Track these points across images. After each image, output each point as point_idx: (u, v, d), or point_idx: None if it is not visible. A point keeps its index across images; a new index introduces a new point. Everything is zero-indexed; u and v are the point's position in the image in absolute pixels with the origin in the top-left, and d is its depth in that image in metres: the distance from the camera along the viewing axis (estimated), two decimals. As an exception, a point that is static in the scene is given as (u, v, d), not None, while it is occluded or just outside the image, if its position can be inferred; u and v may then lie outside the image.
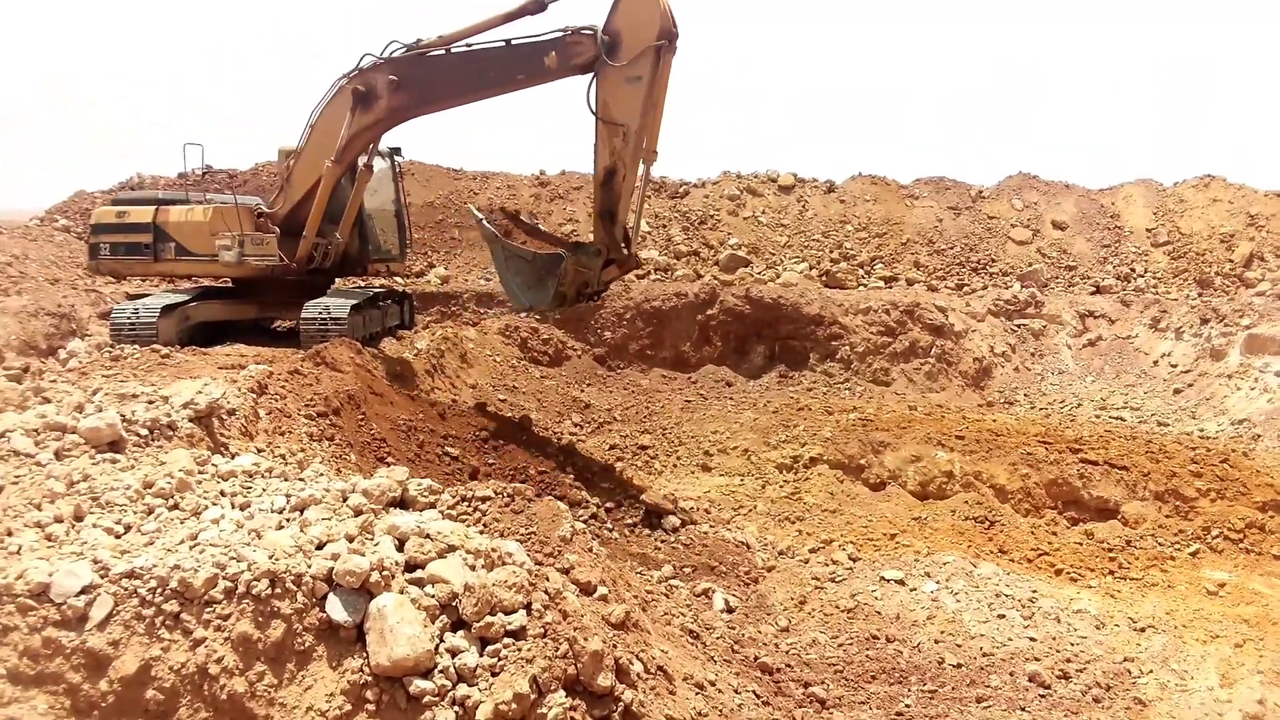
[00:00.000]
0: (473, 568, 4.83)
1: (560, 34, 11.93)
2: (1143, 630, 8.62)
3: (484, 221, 13.43)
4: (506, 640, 4.51)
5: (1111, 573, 10.63)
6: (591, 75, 11.90)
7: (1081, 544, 11.65)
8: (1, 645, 4.34)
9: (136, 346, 11.54)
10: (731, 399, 17.36)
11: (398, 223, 16.03)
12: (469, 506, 6.20)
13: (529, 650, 4.47)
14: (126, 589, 4.53)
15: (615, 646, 4.85)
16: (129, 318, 12.74)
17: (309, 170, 13.84)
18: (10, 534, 5.01)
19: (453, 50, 12.54)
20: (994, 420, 15.66)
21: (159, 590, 4.53)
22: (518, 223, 14.25)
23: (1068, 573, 10.50)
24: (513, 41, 12.20)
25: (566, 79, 12.16)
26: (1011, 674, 7.66)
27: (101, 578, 4.54)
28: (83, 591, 4.47)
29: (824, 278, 22.02)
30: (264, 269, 14.02)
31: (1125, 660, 8.00)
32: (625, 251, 12.50)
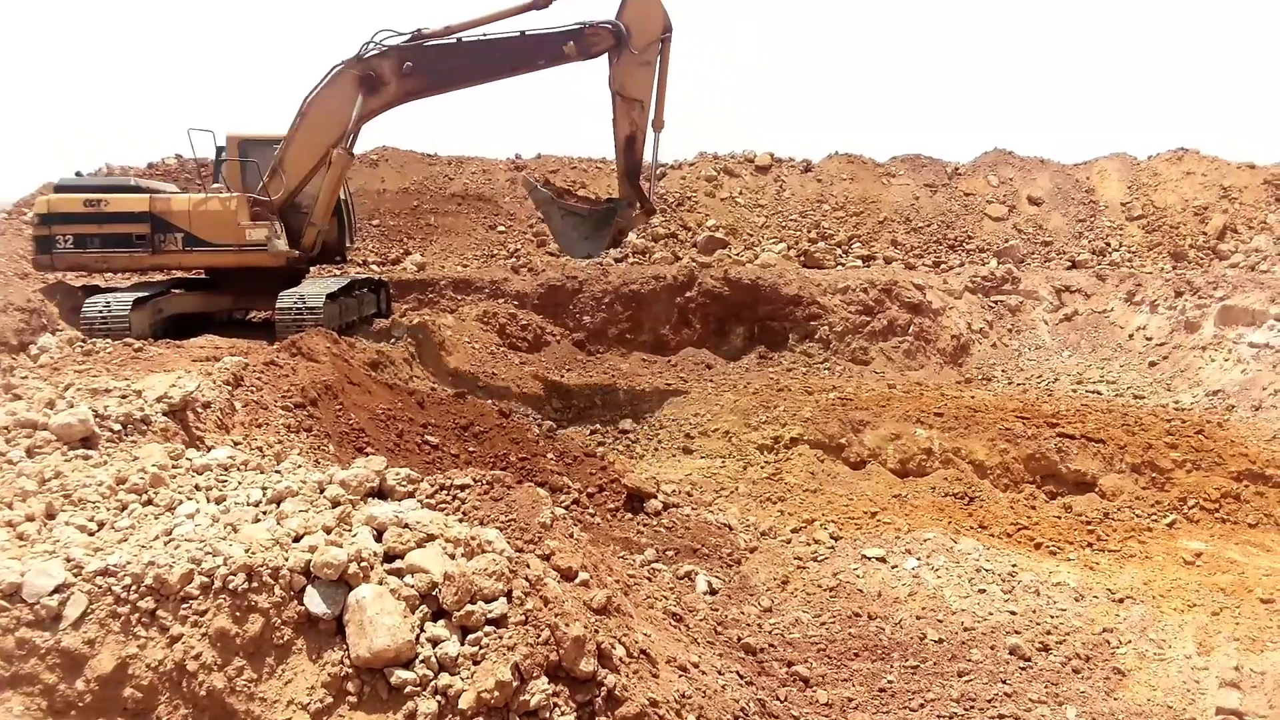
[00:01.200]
0: (452, 556, 4.80)
1: (580, 26, 14.22)
2: (1121, 601, 8.71)
3: (540, 187, 16.30)
4: (488, 628, 4.50)
5: (1090, 545, 10.73)
6: (607, 61, 14.37)
7: (1060, 517, 11.76)
8: (-26, 647, 4.28)
9: (109, 340, 11.40)
10: (711, 381, 17.37)
11: (347, 211, 16.20)
12: (448, 495, 6.16)
13: (510, 638, 4.45)
14: (101, 587, 4.47)
15: (597, 631, 4.84)
16: (100, 311, 12.58)
17: (304, 156, 14.22)
18: (-19, 534, 4.94)
19: (466, 39, 14.12)
20: (972, 397, 15.76)
21: (134, 587, 4.48)
22: (557, 189, 17.01)
23: (1047, 546, 10.59)
24: (528, 32, 14.17)
25: (577, 63, 14.44)
26: (992, 647, 7.73)
27: (75, 576, 4.49)
28: (56, 590, 4.41)
29: (802, 258, 22.04)
30: (289, 257, 14.33)
31: (1104, 631, 8.09)
32: (647, 201, 15.76)
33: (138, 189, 14.30)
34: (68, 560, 4.57)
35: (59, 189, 13.92)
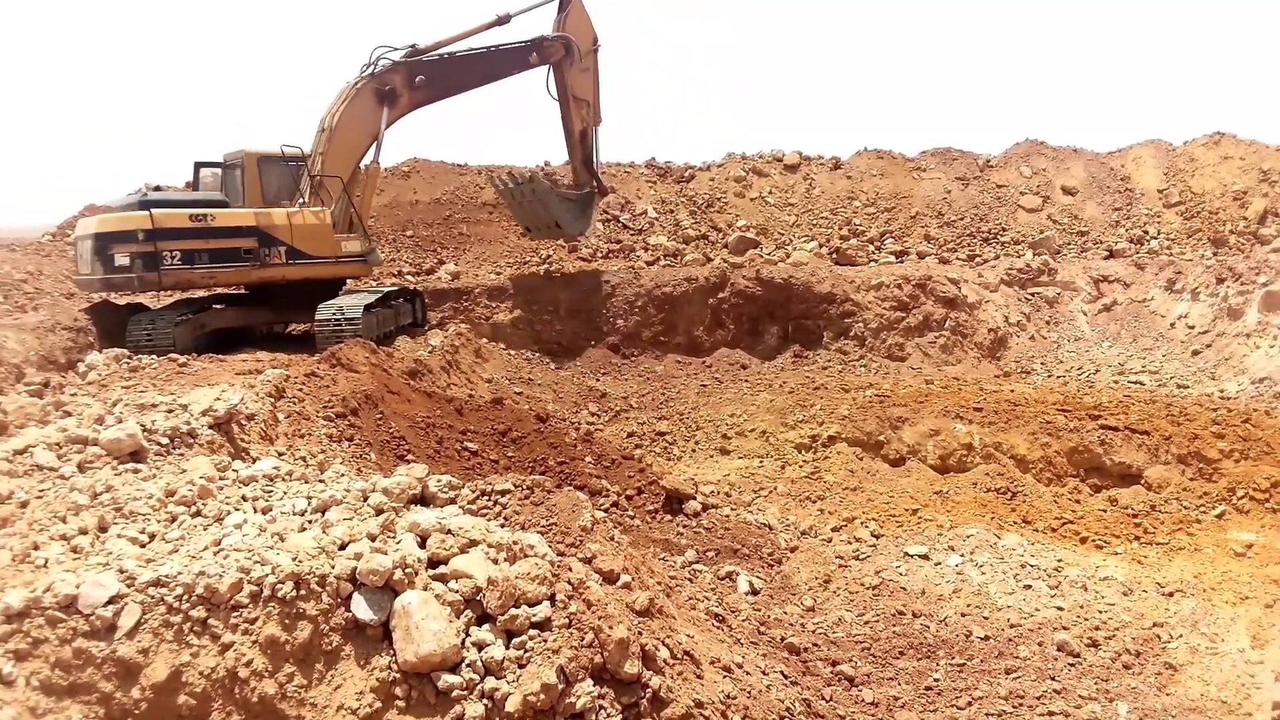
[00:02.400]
0: (495, 561, 4.84)
1: (538, 39, 16.91)
2: (1171, 595, 8.58)
3: (540, 178, 19.49)
4: (532, 632, 4.52)
5: (1137, 538, 10.57)
6: (548, 69, 17.35)
7: (1105, 511, 11.60)
8: (33, 658, 4.38)
9: (154, 356, 11.61)
10: (747, 381, 17.33)
11: None
12: (489, 500, 6.22)
13: (555, 641, 4.48)
14: (153, 597, 4.56)
15: (640, 633, 4.85)
16: (146, 328, 12.80)
17: (341, 170, 14.93)
18: (37, 547, 5.06)
19: (456, 53, 16.13)
20: (1012, 390, 15.58)
21: (185, 597, 4.57)
22: (539, 180, 19.74)
23: (1093, 540, 10.46)
24: (501, 46, 16.70)
25: (534, 70, 17.22)
26: (1040, 644, 7.65)
27: (128, 587, 4.58)
28: (110, 601, 4.50)
29: (834, 255, 21.92)
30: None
31: (1154, 625, 7.97)
32: (602, 184, 19.60)
33: (226, 204, 14.06)
34: (121, 572, 4.66)
35: (150, 204, 13.19)
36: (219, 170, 14.77)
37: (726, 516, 10.15)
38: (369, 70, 15.04)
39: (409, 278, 20.82)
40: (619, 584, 5.27)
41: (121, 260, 12.86)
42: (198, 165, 14.84)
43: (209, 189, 14.61)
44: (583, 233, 19.83)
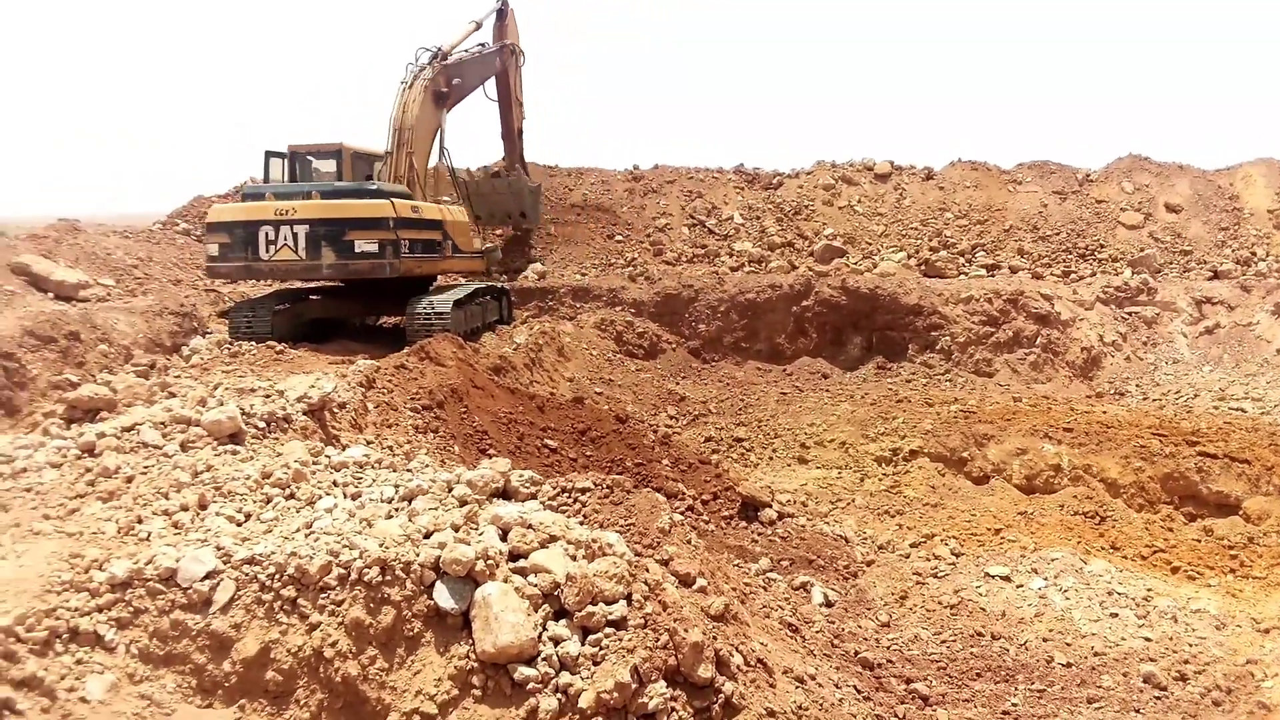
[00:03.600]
0: (574, 558, 4.91)
1: (500, 46, 18.67)
2: (1267, 631, 8.22)
3: (516, 169, 21.01)
4: (608, 630, 4.57)
5: (1233, 571, 10.15)
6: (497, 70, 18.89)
7: (1200, 541, 11.16)
8: (134, 626, 4.61)
9: (253, 343, 12.02)
10: (828, 391, 17.15)
11: None
12: (569, 498, 6.30)
13: (630, 640, 4.52)
14: (247, 574, 4.76)
15: (715, 638, 4.86)
16: (246, 316, 13.27)
17: (426, 168, 15.46)
18: (140, 521, 5.32)
19: (465, 58, 17.17)
20: (1104, 412, 15.09)
21: (277, 576, 4.75)
22: (518, 174, 21.34)
23: (1185, 571, 10.07)
24: (486, 47, 18.08)
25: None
26: (1125, 675, 7.40)
27: (224, 563, 4.78)
28: (207, 576, 4.72)
29: (923, 267, 21.51)
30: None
31: (1248, 662, 7.64)
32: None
33: (410, 196, 14.27)
34: (218, 549, 4.88)
35: (386, 193, 13.37)
36: (283, 160, 14.91)
37: (802, 526, 10.07)
38: (420, 71, 15.50)
39: (497, 276, 21.15)
40: (695, 587, 5.29)
41: (367, 247, 13.09)
42: (268, 154, 15.08)
43: (275, 180, 14.82)
44: (538, 222, 22.07)
